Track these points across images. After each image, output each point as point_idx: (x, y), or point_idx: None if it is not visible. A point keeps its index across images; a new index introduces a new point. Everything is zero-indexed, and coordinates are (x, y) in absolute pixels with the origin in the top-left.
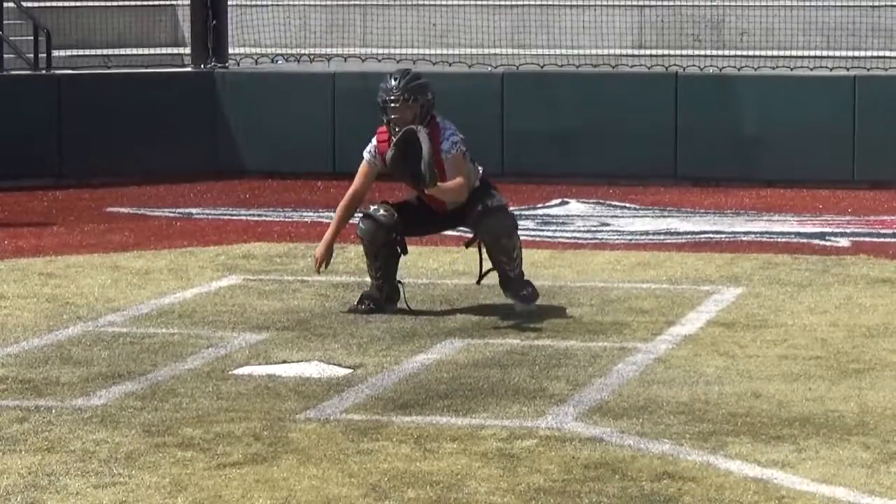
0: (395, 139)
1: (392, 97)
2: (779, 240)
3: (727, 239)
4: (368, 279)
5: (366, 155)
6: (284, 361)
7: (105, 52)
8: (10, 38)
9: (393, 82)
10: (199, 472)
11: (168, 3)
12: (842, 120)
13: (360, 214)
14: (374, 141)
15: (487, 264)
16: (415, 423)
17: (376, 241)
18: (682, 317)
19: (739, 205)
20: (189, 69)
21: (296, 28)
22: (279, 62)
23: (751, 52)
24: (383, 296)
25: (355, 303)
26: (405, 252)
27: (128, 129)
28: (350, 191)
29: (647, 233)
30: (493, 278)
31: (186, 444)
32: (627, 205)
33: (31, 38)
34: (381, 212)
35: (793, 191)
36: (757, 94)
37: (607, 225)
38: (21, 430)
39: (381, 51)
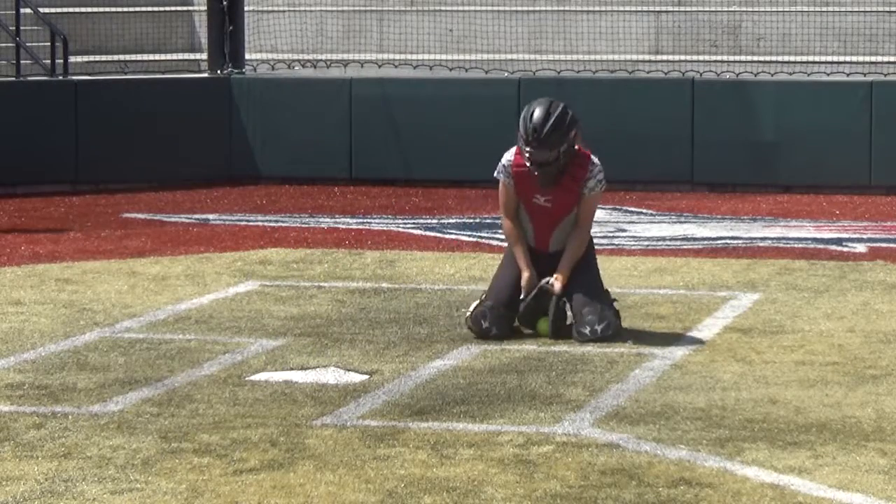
0: (526, 298)
1: (531, 148)
2: (795, 245)
3: (744, 244)
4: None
5: (499, 177)
6: (301, 367)
7: (122, 57)
8: (28, 44)
9: (533, 126)
10: (215, 478)
11: (185, 8)
12: (858, 125)
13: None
14: (504, 160)
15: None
16: (431, 429)
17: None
18: (699, 322)
19: (756, 210)
20: (206, 75)
21: (312, 34)
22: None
23: (767, 58)
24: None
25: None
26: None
27: (144, 135)
28: (503, 215)
29: (663, 238)
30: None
31: (203, 450)
32: (644, 210)
33: (49, 44)
34: (494, 331)
35: (809, 196)
36: (773, 100)
37: (624, 230)
38: (38, 436)
39: (397, 56)
